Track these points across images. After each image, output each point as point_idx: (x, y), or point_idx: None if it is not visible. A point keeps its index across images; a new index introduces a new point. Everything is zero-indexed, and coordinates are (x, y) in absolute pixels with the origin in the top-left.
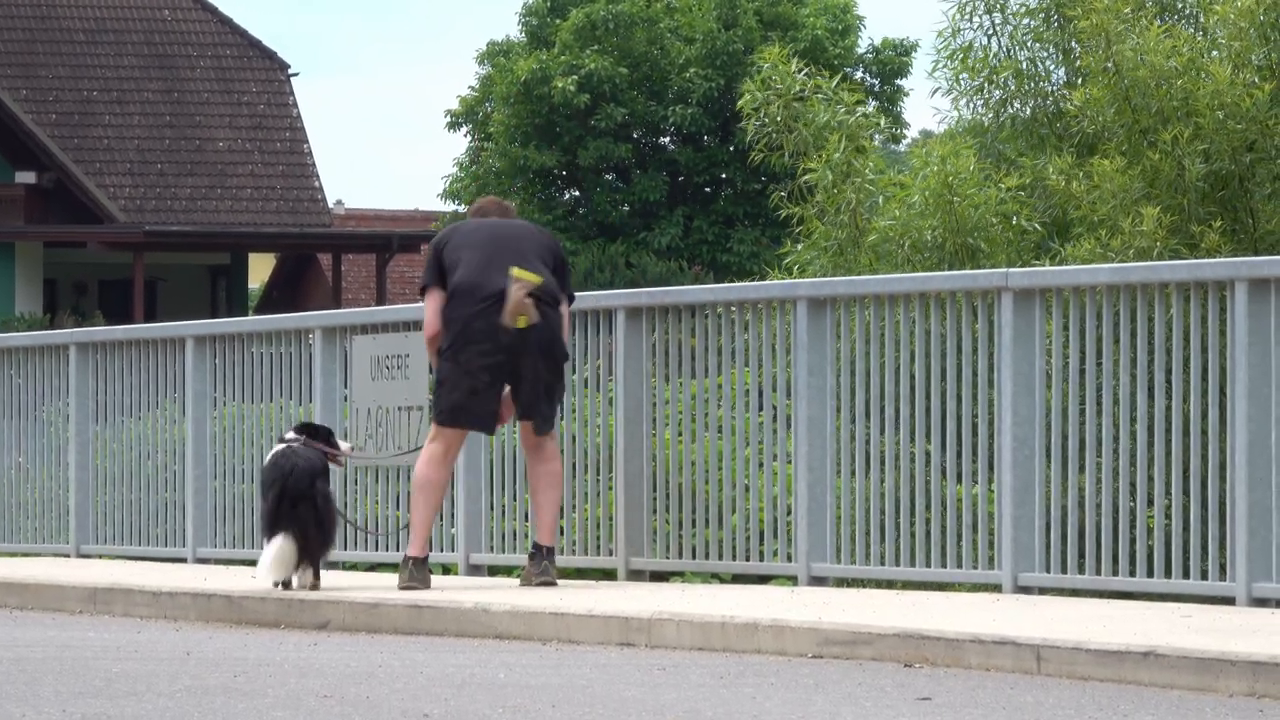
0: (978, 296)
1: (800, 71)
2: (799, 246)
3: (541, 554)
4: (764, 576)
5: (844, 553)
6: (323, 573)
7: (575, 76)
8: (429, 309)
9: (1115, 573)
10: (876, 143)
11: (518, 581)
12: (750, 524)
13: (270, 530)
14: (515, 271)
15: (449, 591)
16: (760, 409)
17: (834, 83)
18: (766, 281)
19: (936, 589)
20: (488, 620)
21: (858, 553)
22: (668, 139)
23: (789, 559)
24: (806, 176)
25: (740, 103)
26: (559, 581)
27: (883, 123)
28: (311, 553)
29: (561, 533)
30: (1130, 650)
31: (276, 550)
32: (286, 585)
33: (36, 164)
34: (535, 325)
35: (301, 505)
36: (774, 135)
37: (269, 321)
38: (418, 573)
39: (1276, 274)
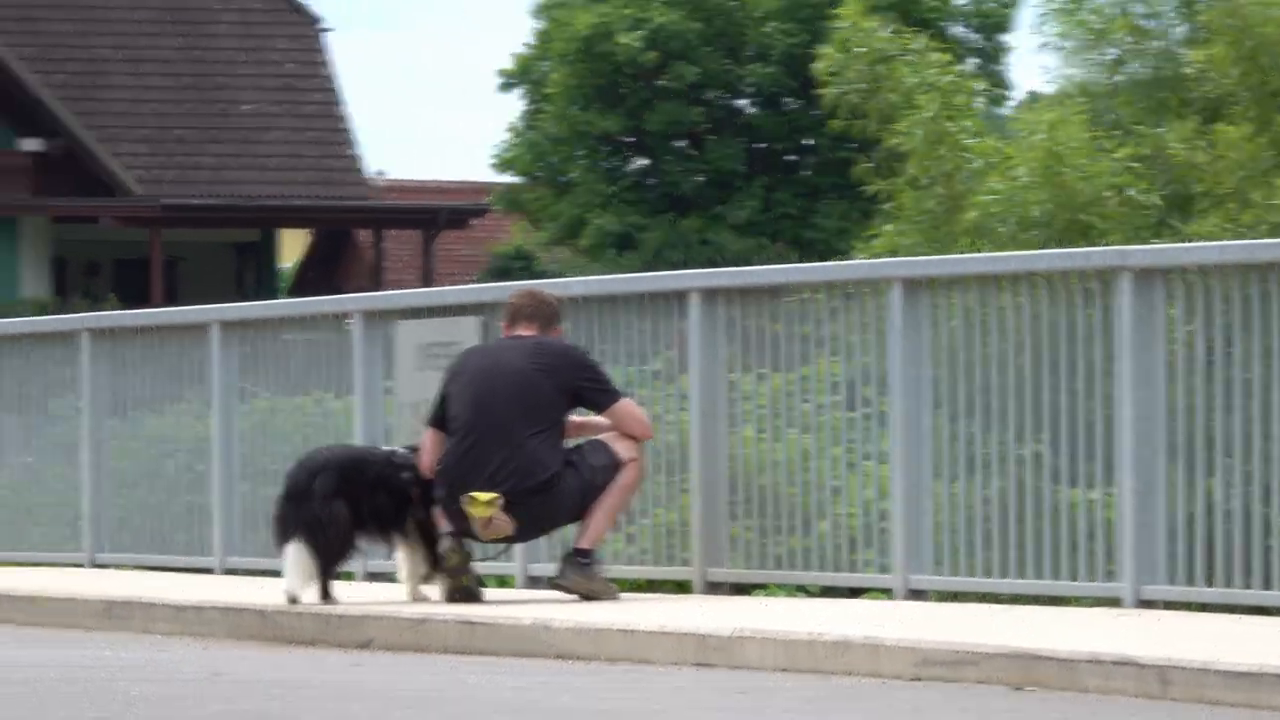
0: (1093, 278)
1: (884, 29)
2: (888, 227)
3: (572, 557)
4: (856, 589)
5: (945, 563)
6: (346, 585)
7: (642, 32)
8: (424, 450)
9: (1248, 585)
10: (978, 105)
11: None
12: (840, 531)
13: (280, 538)
14: (469, 508)
15: (505, 606)
16: (851, 404)
17: (920, 41)
18: (857, 261)
19: (1049, 604)
20: (549, 638)
21: (961, 563)
22: (745, 101)
23: (884, 570)
24: (895, 140)
25: (816, 66)
26: (621, 595)
27: (978, 86)
28: (318, 560)
29: (631, 540)
30: (1265, 672)
31: (289, 559)
32: (295, 600)
33: (43, 130)
34: (512, 534)
35: (302, 506)
36: (857, 101)
37: (303, 305)
38: (453, 542)
39: None
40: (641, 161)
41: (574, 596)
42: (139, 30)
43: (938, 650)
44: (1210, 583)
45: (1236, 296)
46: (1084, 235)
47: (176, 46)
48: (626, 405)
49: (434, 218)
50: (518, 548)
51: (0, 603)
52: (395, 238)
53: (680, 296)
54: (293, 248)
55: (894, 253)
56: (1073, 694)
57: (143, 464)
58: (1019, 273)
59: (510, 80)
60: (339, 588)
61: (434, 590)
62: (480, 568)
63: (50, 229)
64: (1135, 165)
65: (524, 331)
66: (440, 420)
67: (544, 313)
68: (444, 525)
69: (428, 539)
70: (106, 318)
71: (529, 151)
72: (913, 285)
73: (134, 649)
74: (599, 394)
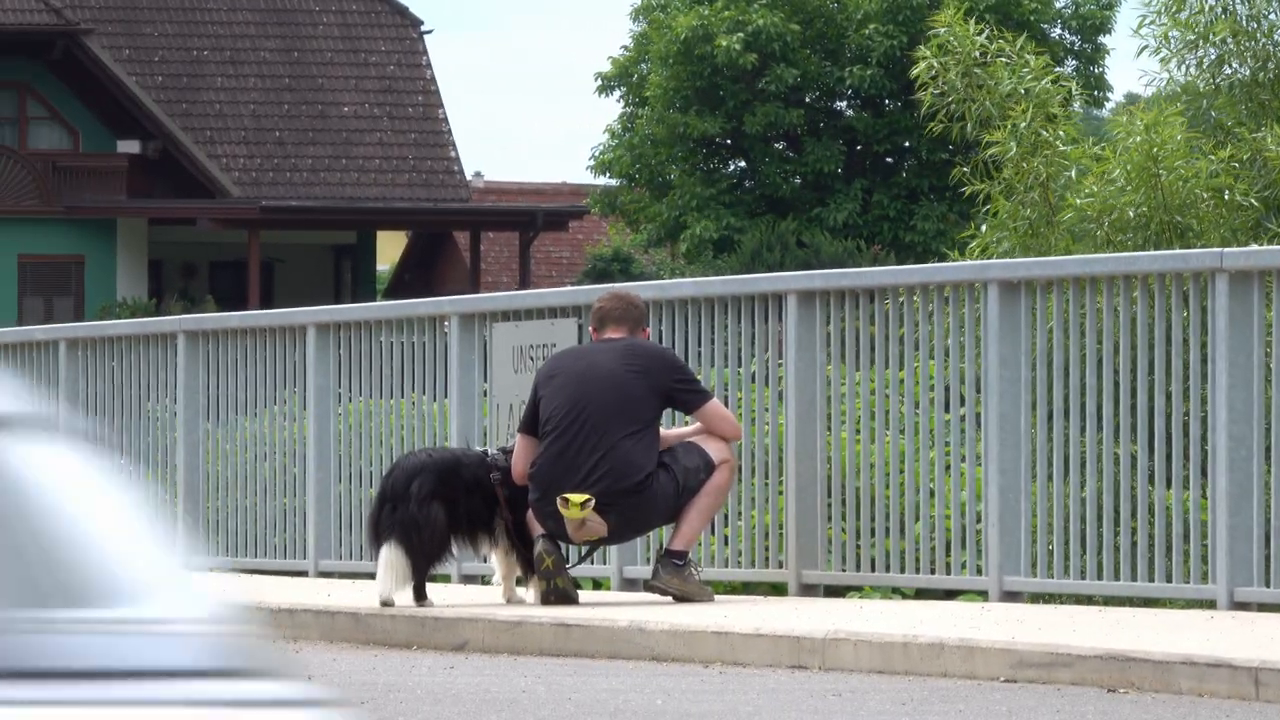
0: (1189, 279)
1: (980, 34)
2: (984, 228)
3: (666, 559)
4: (951, 591)
5: (1040, 565)
6: (441, 587)
7: (741, 34)
8: (516, 455)
9: None
10: (1076, 108)
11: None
12: (936, 533)
13: (374, 541)
14: (562, 510)
15: (600, 608)
16: (947, 405)
17: (1018, 44)
18: (954, 262)
19: (1143, 605)
20: (643, 640)
21: (1055, 565)
22: (844, 103)
23: (979, 572)
24: (991, 151)
25: (914, 71)
26: (715, 597)
27: (1075, 88)
28: (413, 562)
29: (726, 542)
30: None
31: (383, 561)
32: (388, 604)
33: (140, 131)
34: (605, 536)
35: (399, 508)
36: (954, 105)
37: (399, 307)
38: (547, 544)
39: None
40: (739, 163)
41: (668, 598)
42: (237, 32)
43: (1032, 652)
44: None
45: None
46: (1180, 237)
47: (274, 48)
48: (716, 406)
49: (532, 220)
50: (613, 550)
51: None
52: (492, 240)
53: (778, 298)
54: (390, 249)
55: (985, 256)
56: (1166, 696)
57: (237, 466)
58: (1115, 274)
59: (608, 82)
60: (433, 590)
61: (529, 593)
62: (575, 570)
63: (147, 230)
64: (1233, 167)
65: (613, 334)
66: (532, 425)
67: (632, 315)
68: (538, 528)
69: (522, 541)
70: (202, 319)
71: (627, 153)
72: (1009, 287)
73: None
74: (690, 395)
